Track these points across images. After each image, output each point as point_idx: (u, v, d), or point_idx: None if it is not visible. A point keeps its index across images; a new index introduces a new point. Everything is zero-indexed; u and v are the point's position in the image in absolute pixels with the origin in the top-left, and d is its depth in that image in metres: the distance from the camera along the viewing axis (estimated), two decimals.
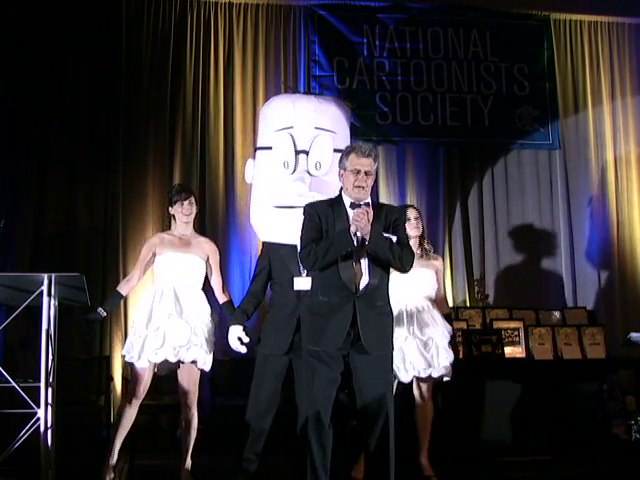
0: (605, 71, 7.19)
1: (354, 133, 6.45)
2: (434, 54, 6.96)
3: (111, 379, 5.59)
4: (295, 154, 3.97)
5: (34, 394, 3.40)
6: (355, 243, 3.21)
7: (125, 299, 5.39)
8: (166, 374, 4.14)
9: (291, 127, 4.02)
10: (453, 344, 4.32)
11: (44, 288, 3.47)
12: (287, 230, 3.91)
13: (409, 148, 6.87)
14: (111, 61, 6.33)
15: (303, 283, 3.87)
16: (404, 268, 3.32)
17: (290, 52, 6.71)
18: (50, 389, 3.43)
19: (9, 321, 3.53)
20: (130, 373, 4.07)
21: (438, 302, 4.41)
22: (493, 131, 6.95)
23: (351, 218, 3.23)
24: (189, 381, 4.05)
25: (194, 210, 4.20)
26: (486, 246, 6.82)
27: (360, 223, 3.16)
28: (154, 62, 6.42)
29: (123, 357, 4.00)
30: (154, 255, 4.12)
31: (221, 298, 4.25)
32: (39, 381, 3.42)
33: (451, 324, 4.41)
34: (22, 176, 6.07)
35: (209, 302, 4.18)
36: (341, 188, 3.43)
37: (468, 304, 6.51)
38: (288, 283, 3.91)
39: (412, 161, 6.84)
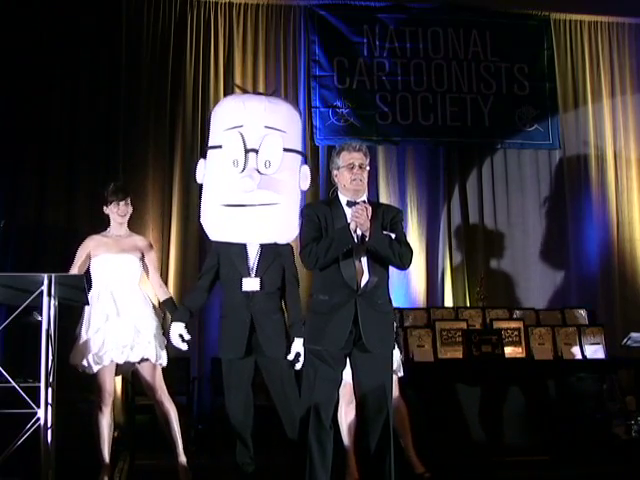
0: (605, 71, 7.20)
1: (354, 133, 6.58)
2: (434, 54, 6.96)
3: None
4: (245, 152, 3.94)
5: (34, 394, 3.40)
6: (355, 240, 3.21)
7: None
8: (125, 375, 4.17)
9: (241, 126, 3.99)
10: (399, 342, 4.36)
11: (44, 288, 3.46)
12: (236, 229, 3.92)
13: (409, 148, 6.87)
14: (111, 61, 6.33)
15: (252, 284, 3.87)
16: (403, 265, 3.33)
17: (290, 52, 6.71)
18: (50, 389, 3.42)
19: (9, 321, 3.53)
20: (91, 381, 4.05)
21: None
22: (493, 131, 6.96)
23: (350, 215, 3.23)
24: (150, 378, 4.05)
25: (129, 211, 4.23)
26: (486, 246, 6.83)
27: (359, 219, 3.16)
28: (154, 62, 6.42)
29: (74, 366, 3.99)
30: (89, 257, 4.13)
31: (161, 296, 4.25)
32: (39, 381, 3.41)
33: (396, 322, 4.43)
34: (22, 176, 6.07)
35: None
36: (336, 188, 3.43)
37: (468, 304, 6.51)
38: (237, 283, 3.90)
39: (412, 161, 6.84)
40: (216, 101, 6.44)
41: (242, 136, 3.96)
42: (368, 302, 3.23)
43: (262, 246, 3.94)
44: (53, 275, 3.48)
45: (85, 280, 3.58)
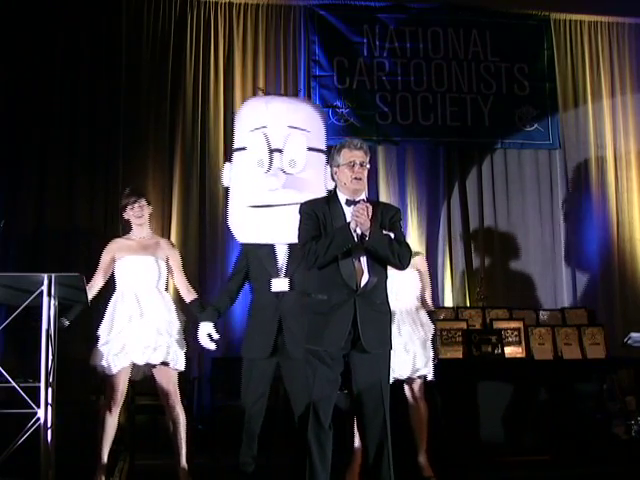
0: (605, 71, 7.20)
1: (354, 133, 6.57)
2: (434, 54, 6.96)
3: None
4: (269, 153, 3.95)
5: (34, 394, 3.40)
6: (355, 239, 3.19)
7: None
8: (141, 378, 4.16)
9: (264, 126, 4.01)
10: (434, 343, 4.36)
11: (44, 288, 3.46)
12: (264, 230, 3.92)
13: (409, 148, 6.87)
14: (111, 61, 6.33)
15: (281, 284, 3.86)
16: (402, 265, 3.30)
17: (290, 52, 6.71)
18: (50, 389, 3.42)
19: (9, 321, 3.53)
20: (105, 381, 4.04)
21: (422, 301, 4.42)
22: (493, 131, 6.96)
23: (350, 214, 3.21)
24: (167, 382, 4.04)
25: (146, 212, 4.20)
26: (486, 246, 6.83)
27: (360, 219, 3.14)
28: (154, 62, 6.42)
29: (94, 366, 3.98)
30: (114, 260, 4.13)
31: (187, 297, 4.23)
32: (39, 381, 3.41)
33: (434, 323, 4.43)
34: (22, 176, 6.07)
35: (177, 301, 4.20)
36: (335, 186, 3.43)
37: (468, 304, 6.51)
38: (266, 284, 3.89)
39: (412, 161, 6.84)
40: (216, 101, 6.48)
41: (266, 136, 3.98)
42: (367, 302, 3.22)
43: (290, 246, 3.89)
44: (53, 275, 3.49)
45: (84, 280, 3.58)
